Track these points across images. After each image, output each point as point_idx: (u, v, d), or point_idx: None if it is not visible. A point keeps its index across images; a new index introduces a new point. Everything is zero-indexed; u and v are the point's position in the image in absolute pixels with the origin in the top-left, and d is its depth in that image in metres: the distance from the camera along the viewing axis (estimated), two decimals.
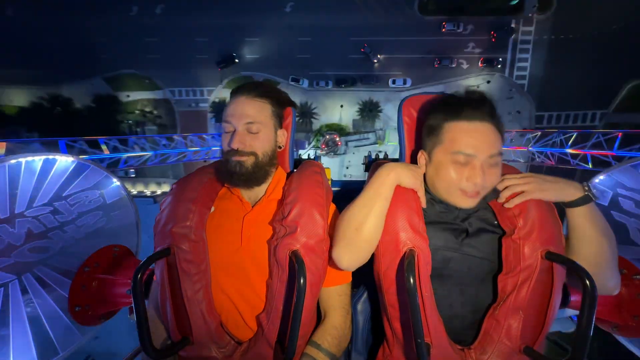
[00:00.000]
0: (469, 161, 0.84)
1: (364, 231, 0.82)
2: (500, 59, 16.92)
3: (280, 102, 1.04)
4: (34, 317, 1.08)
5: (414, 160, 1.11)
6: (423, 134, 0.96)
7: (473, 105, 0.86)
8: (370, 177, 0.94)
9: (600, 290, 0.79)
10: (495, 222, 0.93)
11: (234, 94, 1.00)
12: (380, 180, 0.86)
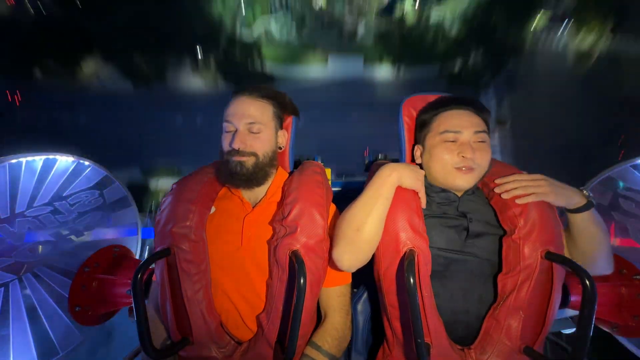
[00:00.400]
0: (457, 138, 0.92)
1: (364, 231, 0.82)
2: None
3: (281, 105, 1.04)
4: (34, 317, 1.08)
5: (414, 161, 1.11)
6: (416, 129, 1.05)
7: (461, 99, 0.97)
8: (370, 177, 0.94)
9: (600, 272, 0.92)
10: (496, 222, 0.93)
11: (236, 94, 1.00)
12: (381, 181, 0.85)
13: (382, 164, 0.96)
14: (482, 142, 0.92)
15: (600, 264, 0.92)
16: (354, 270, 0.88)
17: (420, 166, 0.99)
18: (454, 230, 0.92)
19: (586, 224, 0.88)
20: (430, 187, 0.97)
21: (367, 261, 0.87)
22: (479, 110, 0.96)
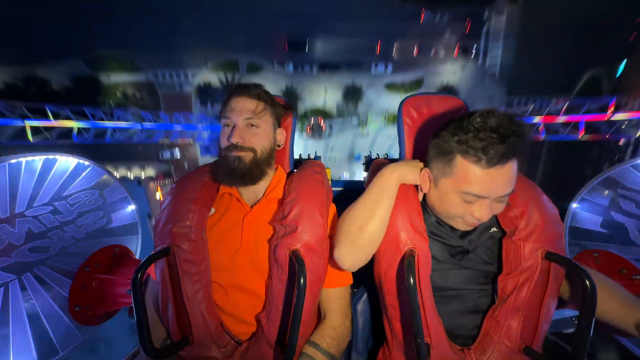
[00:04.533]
0: (478, 200, 0.79)
1: (367, 231, 0.82)
2: (475, 49, 18.22)
3: (278, 103, 1.05)
4: (34, 316, 1.08)
5: None
6: (430, 152, 0.86)
7: (497, 147, 0.72)
8: (370, 176, 0.94)
9: None
10: (495, 227, 0.92)
11: (233, 92, 1.00)
12: (384, 180, 0.85)
13: (382, 164, 0.96)
14: (504, 201, 0.81)
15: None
16: (355, 269, 0.87)
17: (424, 195, 0.92)
18: (451, 248, 0.91)
19: None
20: (427, 214, 0.92)
21: (368, 260, 0.87)
22: (516, 155, 0.76)
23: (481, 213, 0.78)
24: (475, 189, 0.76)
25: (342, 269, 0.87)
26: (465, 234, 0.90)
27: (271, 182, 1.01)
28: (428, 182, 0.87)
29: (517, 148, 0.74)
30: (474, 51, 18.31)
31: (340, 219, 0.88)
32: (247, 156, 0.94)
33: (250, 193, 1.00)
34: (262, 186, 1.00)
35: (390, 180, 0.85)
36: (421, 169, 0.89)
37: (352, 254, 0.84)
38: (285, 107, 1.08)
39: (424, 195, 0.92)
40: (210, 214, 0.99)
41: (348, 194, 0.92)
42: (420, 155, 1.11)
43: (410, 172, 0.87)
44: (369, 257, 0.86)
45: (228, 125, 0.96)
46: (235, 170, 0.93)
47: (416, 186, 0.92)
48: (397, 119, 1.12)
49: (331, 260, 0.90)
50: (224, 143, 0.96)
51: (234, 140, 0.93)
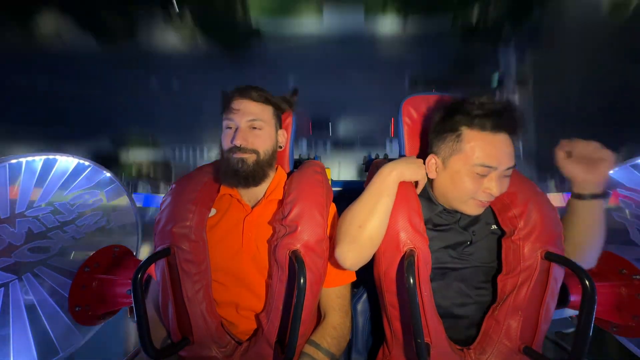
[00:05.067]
0: (488, 172, 0.82)
1: (368, 228, 0.82)
2: None
3: (279, 105, 1.05)
4: (34, 317, 1.08)
5: None
6: (433, 137, 0.90)
7: (499, 116, 0.81)
8: (370, 176, 0.94)
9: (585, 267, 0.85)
10: (495, 225, 0.92)
11: (235, 94, 0.99)
12: (383, 178, 0.86)
13: (382, 164, 0.96)
14: (508, 175, 0.86)
15: (588, 259, 0.90)
16: (356, 268, 0.88)
17: (430, 181, 0.93)
18: (454, 244, 0.91)
19: (594, 215, 0.86)
20: (431, 200, 0.94)
21: (370, 259, 0.87)
22: (517, 129, 0.84)
23: (493, 185, 0.82)
24: (486, 158, 0.81)
25: (343, 268, 0.87)
26: (468, 225, 0.90)
27: (272, 183, 1.01)
28: (435, 168, 0.90)
29: (514, 118, 0.83)
30: None
31: (340, 218, 0.88)
32: (250, 158, 0.94)
33: (251, 194, 1.00)
34: (262, 187, 1.00)
35: (389, 178, 0.85)
36: (424, 160, 0.91)
37: (353, 252, 0.84)
38: (285, 104, 1.07)
39: (429, 185, 0.94)
40: (211, 215, 0.99)
41: (348, 194, 0.92)
42: (420, 155, 1.11)
43: (408, 169, 0.87)
44: (370, 256, 0.86)
45: (230, 127, 0.96)
46: (238, 172, 0.93)
47: (416, 183, 0.92)
48: (396, 119, 1.12)
49: (331, 259, 0.90)
50: (226, 145, 0.96)
51: (237, 142, 0.93)
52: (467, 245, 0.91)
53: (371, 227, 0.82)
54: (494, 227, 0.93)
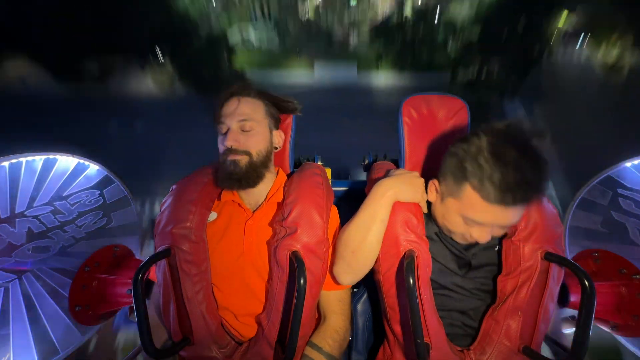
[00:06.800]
0: (480, 226, 0.77)
1: (360, 254, 0.84)
2: None
3: (274, 103, 1.04)
4: (34, 317, 1.08)
5: (413, 162, 1.11)
6: (444, 164, 0.81)
7: (511, 191, 0.67)
8: (370, 184, 0.93)
9: None
10: (499, 245, 0.90)
11: (227, 95, 0.98)
12: (377, 199, 0.84)
13: (382, 167, 0.96)
14: (505, 229, 0.82)
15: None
16: (354, 283, 0.91)
17: (429, 204, 0.90)
18: (456, 258, 0.90)
19: None
20: (430, 223, 0.92)
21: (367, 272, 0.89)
22: (534, 199, 0.71)
23: (481, 236, 0.78)
24: (479, 218, 0.74)
25: None
26: (468, 247, 0.89)
27: (273, 186, 1.00)
28: (435, 194, 0.85)
29: (534, 195, 0.70)
30: None
31: (338, 237, 0.89)
32: (243, 159, 0.93)
33: (252, 198, 1.00)
34: (263, 190, 1.00)
35: (383, 200, 0.83)
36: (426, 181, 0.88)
37: (349, 274, 0.87)
38: (283, 105, 1.06)
39: (430, 204, 0.91)
40: (212, 219, 0.98)
41: (349, 195, 0.92)
42: (420, 154, 1.11)
43: (405, 191, 0.84)
44: (367, 271, 0.88)
45: (222, 131, 0.95)
46: (231, 174, 0.92)
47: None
48: (397, 119, 1.12)
49: (331, 265, 0.91)
50: (220, 149, 0.95)
51: (228, 144, 0.92)
52: (469, 267, 0.89)
53: (363, 252, 0.83)
54: (497, 248, 0.90)
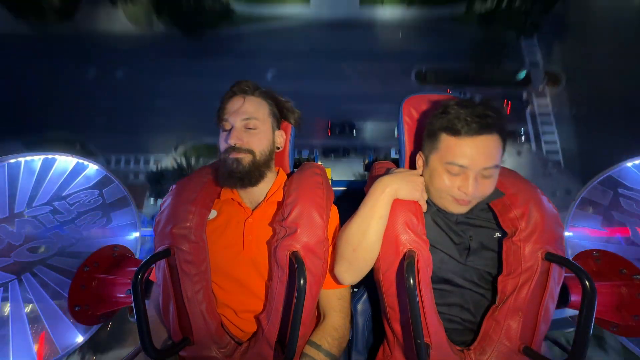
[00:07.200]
0: (463, 171, 0.83)
1: (360, 252, 0.84)
2: (522, 132, 14.11)
3: (278, 105, 1.04)
4: (34, 317, 1.08)
5: (413, 161, 1.11)
6: (423, 135, 0.93)
7: (474, 121, 0.81)
8: (370, 182, 0.93)
9: None
10: (499, 233, 0.92)
11: (231, 92, 0.98)
12: (376, 197, 0.85)
13: (382, 166, 0.96)
14: (489, 177, 0.85)
15: None
16: (355, 282, 0.91)
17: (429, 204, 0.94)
18: (455, 243, 0.91)
19: None
20: (429, 204, 0.94)
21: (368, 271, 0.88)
22: (497, 130, 0.83)
23: (467, 184, 0.83)
24: (456, 157, 0.83)
25: None
26: (463, 223, 0.91)
27: (273, 185, 1.00)
28: (422, 163, 0.94)
29: (493, 122, 0.81)
30: (522, 135, 14.10)
31: (338, 236, 0.90)
32: (246, 158, 0.93)
33: (252, 197, 1.00)
34: (263, 189, 1.00)
35: (382, 197, 0.84)
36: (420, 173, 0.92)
37: (351, 272, 0.87)
38: (286, 109, 1.06)
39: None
40: (212, 217, 0.98)
41: (350, 194, 0.92)
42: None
43: (403, 188, 0.85)
44: (368, 270, 0.88)
45: (226, 128, 0.95)
46: (233, 172, 0.92)
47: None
48: (397, 119, 1.12)
49: (331, 264, 0.90)
50: (222, 146, 0.95)
51: (231, 141, 0.92)
52: (468, 253, 0.90)
53: (364, 250, 0.84)
54: (497, 235, 0.92)
